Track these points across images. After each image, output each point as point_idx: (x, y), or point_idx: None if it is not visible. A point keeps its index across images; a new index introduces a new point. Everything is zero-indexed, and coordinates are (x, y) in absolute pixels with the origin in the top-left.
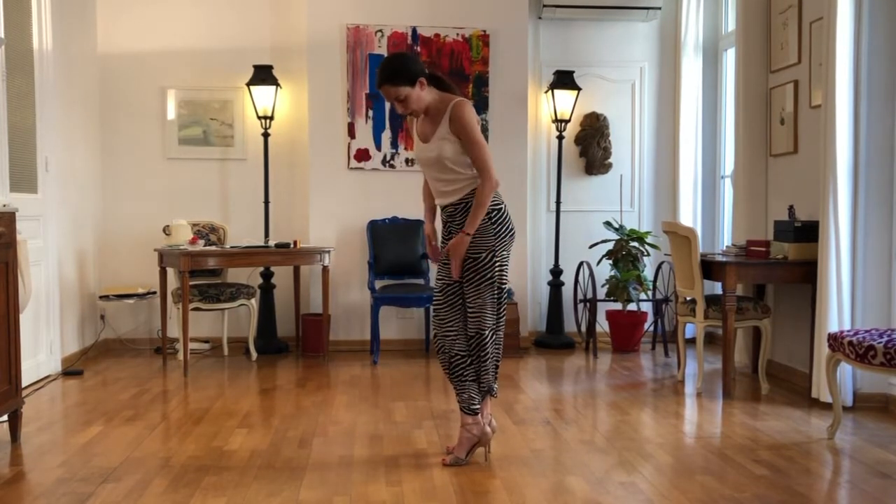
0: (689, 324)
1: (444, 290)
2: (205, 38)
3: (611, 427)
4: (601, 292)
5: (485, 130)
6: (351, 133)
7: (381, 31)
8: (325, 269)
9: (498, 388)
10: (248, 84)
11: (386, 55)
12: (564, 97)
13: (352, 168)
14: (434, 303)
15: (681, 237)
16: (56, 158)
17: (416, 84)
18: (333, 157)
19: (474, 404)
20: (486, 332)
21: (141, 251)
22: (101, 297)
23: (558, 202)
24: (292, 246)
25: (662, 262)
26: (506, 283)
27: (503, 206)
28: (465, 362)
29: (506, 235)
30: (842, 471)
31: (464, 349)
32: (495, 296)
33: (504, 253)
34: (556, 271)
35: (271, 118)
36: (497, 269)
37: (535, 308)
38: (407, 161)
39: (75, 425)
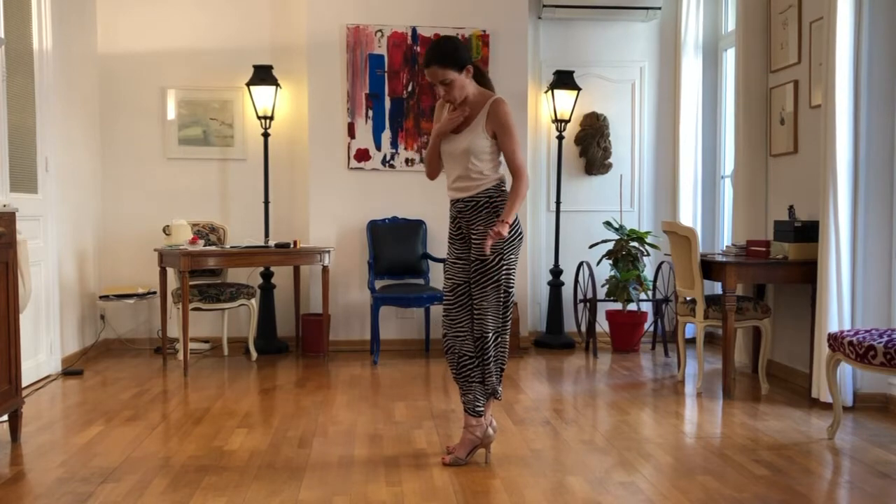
0: (689, 324)
1: (454, 290)
2: (205, 38)
3: (611, 427)
4: (601, 292)
5: None
6: (351, 133)
7: (381, 31)
8: (325, 269)
9: (502, 390)
10: (248, 84)
11: (383, 54)
12: (564, 97)
13: (352, 168)
14: (444, 303)
15: (681, 237)
16: (56, 158)
17: (463, 71)
18: (333, 157)
19: (479, 406)
20: (489, 335)
21: (141, 251)
22: (101, 297)
23: (558, 202)
24: (292, 246)
25: (662, 262)
26: (512, 287)
27: None
28: (473, 363)
29: (514, 239)
30: (842, 471)
31: (472, 350)
32: (501, 299)
33: (512, 257)
34: (556, 271)
35: (271, 118)
36: (504, 272)
37: (535, 308)
38: (407, 161)
39: (75, 425)
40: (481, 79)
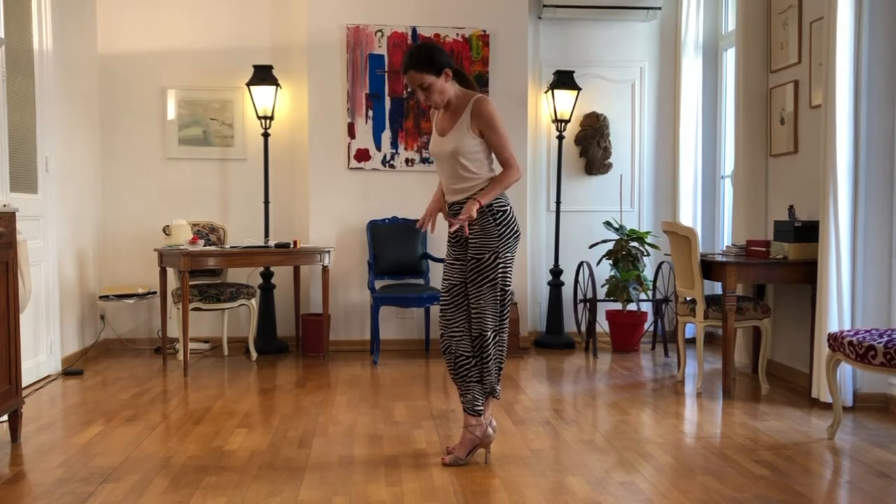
0: (689, 324)
1: (450, 290)
2: (205, 38)
3: (611, 427)
4: (601, 292)
5: None
6: (351, 133)
7: (381, 31)
8: (325, 269)
9: (500, 389)
10: (248, 84)
11: (383, 54)
12: (564, 97)
13: (352, 168)
14: (440, 303)
15: (681, 237)
16: (56, 158)
17: (441, 74)
18: (333, 157)
19: (478, 405)
20: (489, 334)
21: (141, 251)
22: (101, 297)
23: (558, 202)
24: (292, 246)
25: (662, 262)
26: (509, 285)
27: (509, 207)
28: (470, 363)
29: (510, 238)
30: (842, 471)
31: (469, 350)
32: (498, 297)
33: (508, 255)
34: (556, 271)
35: (271, 118)
36: (500, 270)
37: (535, 308)
38: (407, 161)
39: (75, 425)
40: (463, 80)
